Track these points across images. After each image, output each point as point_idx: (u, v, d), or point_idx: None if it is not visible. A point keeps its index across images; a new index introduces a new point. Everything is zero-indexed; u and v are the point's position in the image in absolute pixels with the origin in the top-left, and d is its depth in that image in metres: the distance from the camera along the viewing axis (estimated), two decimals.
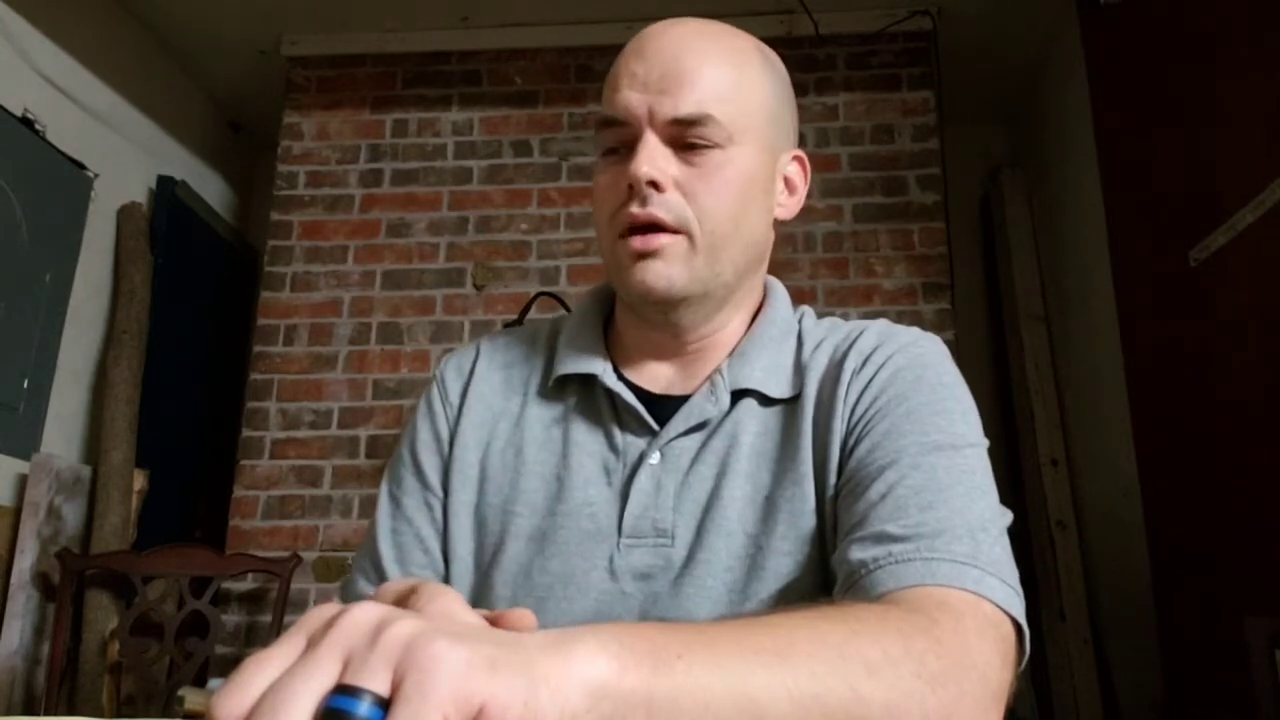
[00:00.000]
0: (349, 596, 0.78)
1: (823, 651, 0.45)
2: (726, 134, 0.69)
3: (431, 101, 2.79)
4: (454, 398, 0.80)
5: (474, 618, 0.42)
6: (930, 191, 2.61)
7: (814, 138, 2.65)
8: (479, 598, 0.73)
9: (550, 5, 2.70)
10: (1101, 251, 2.36)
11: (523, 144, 2.74)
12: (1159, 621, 2.08)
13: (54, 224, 2.43)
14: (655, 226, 0.69)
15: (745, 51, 0.74)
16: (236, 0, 2.70)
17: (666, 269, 0.69)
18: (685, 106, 0.68)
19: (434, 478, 0.78)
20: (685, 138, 0.69)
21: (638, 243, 0.69)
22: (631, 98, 0.69)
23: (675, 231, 0.69)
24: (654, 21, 0.74)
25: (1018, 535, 0.64)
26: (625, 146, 0.71)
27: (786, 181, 0.77)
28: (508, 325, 2.39)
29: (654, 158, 0.68)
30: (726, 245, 0.71)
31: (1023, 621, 0.58)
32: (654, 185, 0.68)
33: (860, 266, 2.57)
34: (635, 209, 0.69)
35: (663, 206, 0.69)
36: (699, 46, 0.71)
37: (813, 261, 2.58)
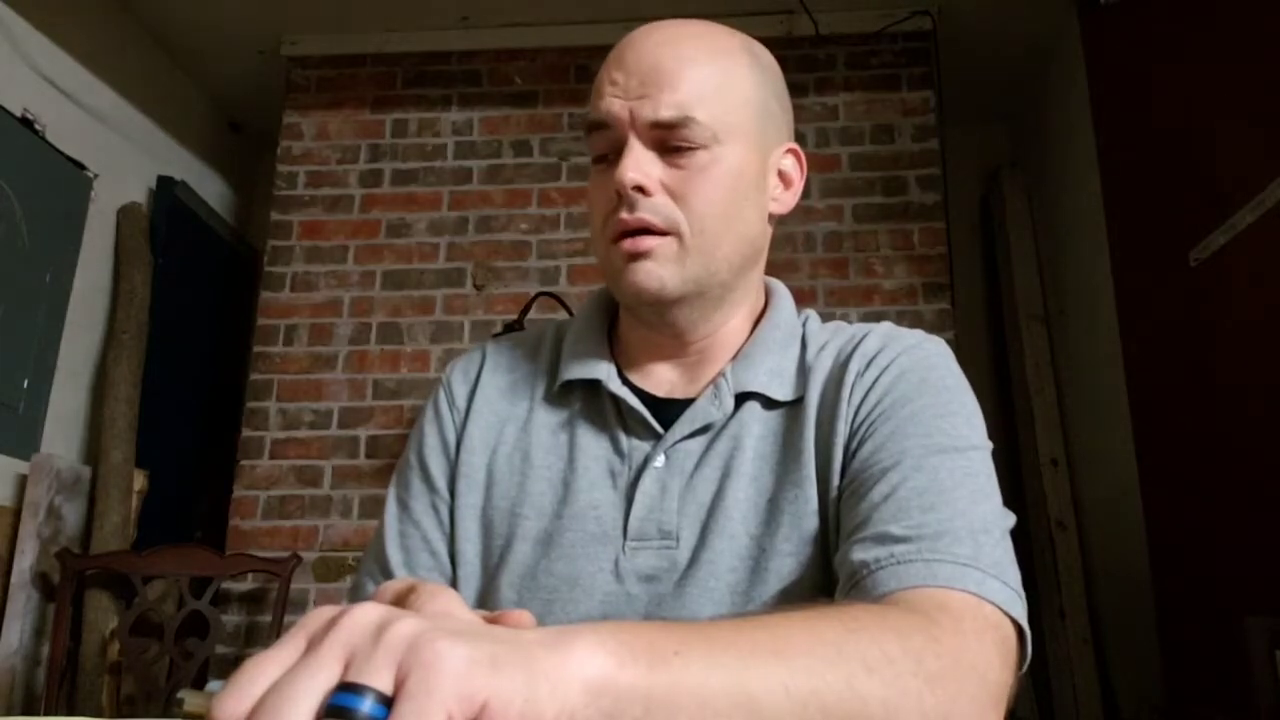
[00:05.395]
0: (357, 599, 0.78)
1: (820, 649, 0.45)
2: (710, 134, 0.69)
3: (431, 101, 2.79)
4: (461, 402, 0.81)
5: (472, 617, 0.42)
6: (930, 191, 2.61)
7: (814, 138, 2.65)
8: (485, 600, 0.73)
9: (550, 5, 2.70)
10: (1101, 251, 2.36)
11: (523, 144, 2.74)
12: (1159, 622, 2.08)
13: (54, 224, 2.43)
14: (644, 230, 0.69)
15: (729, 50, 0.73)
16: (236, 0, 2.70)
17: (657, 269, 0.70)
18: (665, 110, 0.68)
19: (441, 481, 0.78)
20: (669, 140, 0.69)
21: (628, 245, 0.70)
22: (614, 104, 0.70)
23: (664, 233, 0.70)
24: (653, 22, 0.74)
25: (1017, 535, 0.65)
26: (613, 152, 0.71)
27: (781, 176, 0.77)
28: (508, 325, 2.39)
29: (639, 163, 0.69)
30: (719, 244, 0.71)
31: (1024, 624, 0.58)
32: (640, 190, 0.69)
33: (860, 266, 2.57)
34: (624, 214, 0.69)
35: (650, 210, 0.69)
36: (679, 48, 0.71)
37: (813, 261, 2.57)
